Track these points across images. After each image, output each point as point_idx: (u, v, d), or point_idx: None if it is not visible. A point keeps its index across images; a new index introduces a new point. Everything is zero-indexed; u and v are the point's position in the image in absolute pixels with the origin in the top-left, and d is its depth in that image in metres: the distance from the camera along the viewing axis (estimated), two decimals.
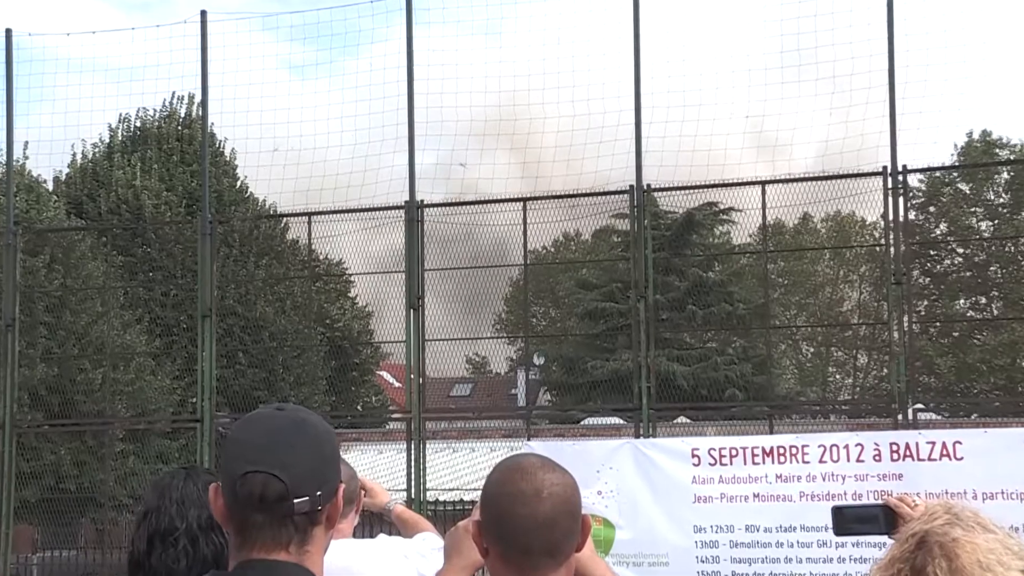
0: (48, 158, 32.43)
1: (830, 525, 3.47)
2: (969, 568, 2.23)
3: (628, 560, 12.15)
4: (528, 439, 14.52)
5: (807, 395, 28.86)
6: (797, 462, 11.84)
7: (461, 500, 21.33)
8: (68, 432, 20.57)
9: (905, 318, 14.02)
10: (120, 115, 31.18)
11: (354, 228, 16.61)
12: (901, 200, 13.92)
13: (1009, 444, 11.14)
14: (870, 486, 11.43)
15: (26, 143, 24.58)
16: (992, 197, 35.51)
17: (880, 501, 3.27)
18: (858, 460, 11.68)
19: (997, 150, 36.10)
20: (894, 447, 11.60)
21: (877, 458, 11.61)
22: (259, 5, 77.33)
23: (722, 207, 30.23)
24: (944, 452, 11.37)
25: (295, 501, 2.26)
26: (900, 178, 13.84)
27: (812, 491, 11.74)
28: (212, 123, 20.65)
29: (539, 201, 15.67)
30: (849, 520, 3.40)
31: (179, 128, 31.80)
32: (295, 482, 2.26)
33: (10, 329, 16.13)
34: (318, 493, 2.28)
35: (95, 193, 29.62)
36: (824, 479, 11.71)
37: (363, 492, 4.11)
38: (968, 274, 34.87)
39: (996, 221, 34.62)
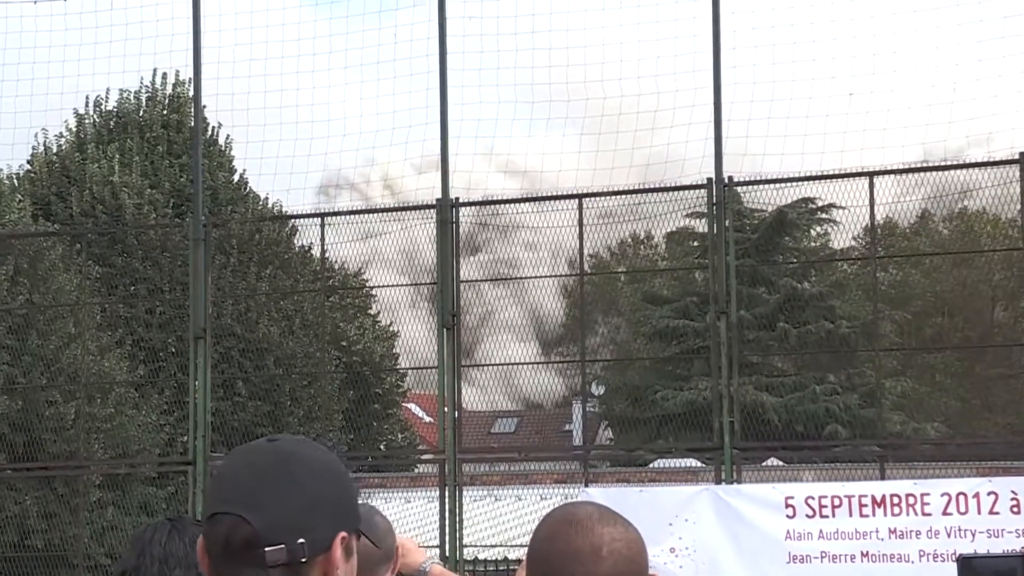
0: (10, 150, 32.89)
1: None
2: None
3: None
4: (586, 485, 14.52)
5: (926, 432, 28.62)
6: (915, 514, 11.76)
7: (505, 559, 21.35)
8: (35, 478, 20.79)
9: None
10: (89, 98, 31.54)
11: (376, 232, 16.72)
12: None
13: None
14: (1007, 543, 11.32)
15: None
16: None
17: (1020, 551, 3.27)
18: (991, 512, 11.57)
19: None
20: None
21: (1015, 509, 11.50)
22: None
23: (820, 203, 30.03)
24: None
25: (266, 550, 2.22)
26: None
27: (934, 549, 11.65)
28: (205, 106, 20.84)
29: (598, 198, 15.69)
30: (981, 574, 3.40)
31: (165, 113, 32.14)
32: (266, 526, 2.23)
33: None
34: (299, 541, 2.24)
35: (65, 191, 29.98)
36: (949, 535, 11.61)
37: (400, 551, 4.17)
38: None
39: None
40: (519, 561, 2.63)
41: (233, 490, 2.28)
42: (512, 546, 21.95)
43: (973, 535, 11.56)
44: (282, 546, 2.23)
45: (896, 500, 11.89)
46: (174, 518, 3.54)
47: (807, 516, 12.10)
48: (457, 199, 15.41)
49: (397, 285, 18.27)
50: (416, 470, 27.69)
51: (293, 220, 23.75)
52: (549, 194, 16.12)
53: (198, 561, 3.34)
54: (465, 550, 15.30)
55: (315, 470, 2.32)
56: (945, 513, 11.72)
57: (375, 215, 16.74)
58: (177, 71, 31.45)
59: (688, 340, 30.75)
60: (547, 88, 15.92)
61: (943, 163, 14.81)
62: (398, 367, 31.19)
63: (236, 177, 32.11)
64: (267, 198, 31.26)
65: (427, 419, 37.99)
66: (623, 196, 15.76)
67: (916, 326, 35.79)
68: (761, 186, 16.12)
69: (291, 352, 27.56)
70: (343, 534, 2.30)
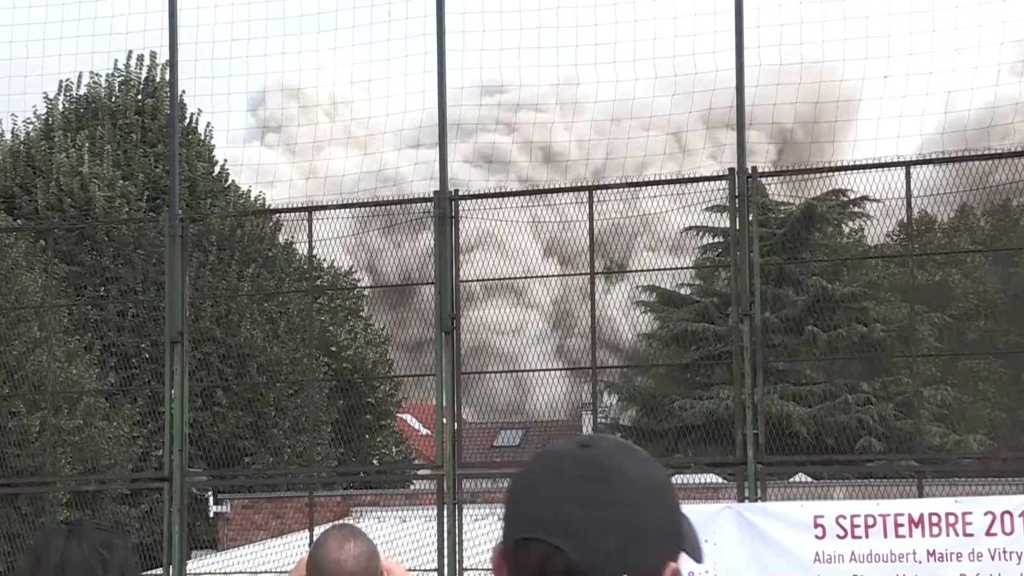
0: None
1: None
2: None
3: None
4: None
5: (969, 446, 28.60)
6: (956, 534, 11.74)
7: None
8: None
9: None
10: (62, 83, 31.60)
11: (368, 227, 16.71)
12: None
13: None
14: None
15: None
16: None
17: None
18: None
19: None
20: None
21: None
22: None
23: (853, 196, 30.01)
24: None
25: None
26: None
27: (976, 573, 11.63)
28: (183, 91, 20.88)
29: (609, 190, 15.68)
30: None
31: (139, 98, 32.17)
32: (587, 558, 2.10)
33: None
34: None
35: (30, 183, 30.02)
36: (993, 557, 11.59)
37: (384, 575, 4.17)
38: None
39: None
40: None
41: (545, 510, 2.13)
42: None
43: (1019, 558, 11.55)
44: None
45: (935, 520, 11.87)
46: (73, 523, 3.58)
47: (838, 536, 12.08)
48: (456, 191, 15.39)
49: (392, 285, 18.28)
50: (412, 487, 27.70)
51: (278, 214, 23.72)
52: (557, 187, 16.11)
53: (98, 569, 3.33)
54: (465, 574, 15.30)
55: (639, 486, 2.17)
56: (989, 534, 11.70)
57: (367, 209, 16.74)
58: (153, 53, 31.49)
59: (708, 345, 30.73)
60: (555, 70, 15.92)
61: (986, 151, 14.77)
62: (392, 374, 31.20)
63: (217, 169, 32.15)
64: (249, 191, 31.31)
65: (424, 431, 38.01)
66: (635, 188, 15.73)
67: (957, 330, 35.73)
68: (788, 177, 16.10)
69: (275, 358, 27.55)
70: (673, 565, 2.17)
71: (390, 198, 16.37)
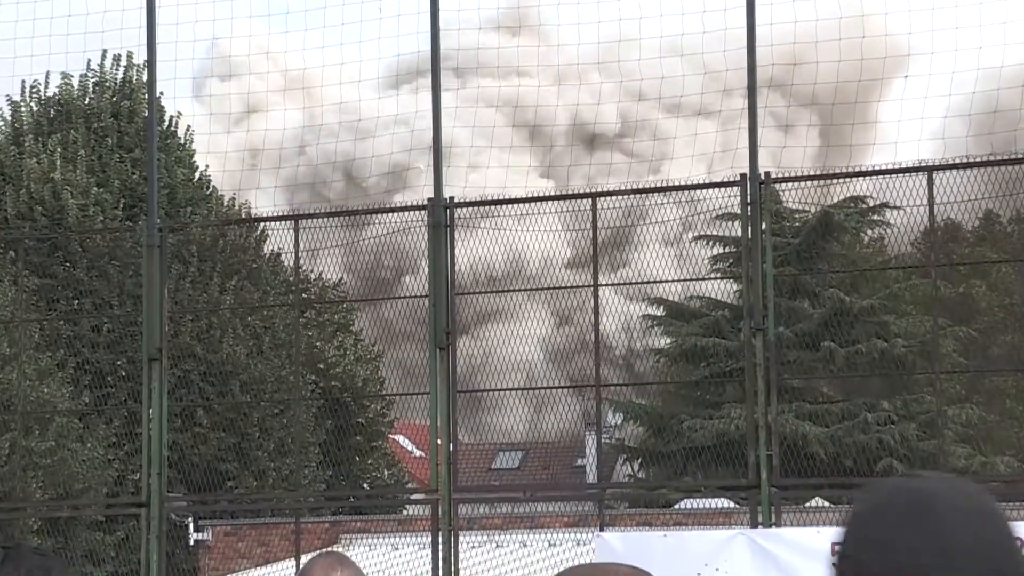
0: None
1: None
2: None
3: None
4: (601, 529, 14.50)
5: (996, 467, 28.58)
6: None
7: None
8: None
9: None
10: (24, 83, 31.59)
11: (358, 237, 16.72)
12: None
13: None
14: None
15: None
16: None
17: None
18: None
19: None
20: None
21: None
22: None
23: (872, 203, 30.00)
24: None
25: None
26: None
27: None
28: (161, 92, 20.89)
29: (612, 197, 15.68)
30: None
31: (115, 100, 32.18)
32: None
33: None
34: None
35: None
36: None
37: None
38: None
39: None
40: None
41: (886, 552, 2.28)
42: None
43: None
44: None
45: None
46: (10, 546, 3.56)
47: None
48: (452, 199, 15.38)
49: (382, 298, 18.27)
50: (405, 512, 27.69)
51: (263, 223, 23.73)
52: (561, 194, 16.12)
53: None
54: None
55: (969, 516, 2.32)
56: None
57: (357, 217, 16.74)
58: (129, 52, 31.49)
59: (719, 361, 30.70)
60: (555, 69, 15.95)
61: (1013, 156, 14.78)
62: (384, 393, 31.18)
63: (198, 175, 32.13)
64: (233, 198, 31.30)
65: (417, 453, 37.98)
66: (640, 195, 15.74)
67: (983, 344, 35.67)
68: (803, 183, 16.08)
69: (260, 375, 27.53)
70: None
71: (377, 195, 16.38)
